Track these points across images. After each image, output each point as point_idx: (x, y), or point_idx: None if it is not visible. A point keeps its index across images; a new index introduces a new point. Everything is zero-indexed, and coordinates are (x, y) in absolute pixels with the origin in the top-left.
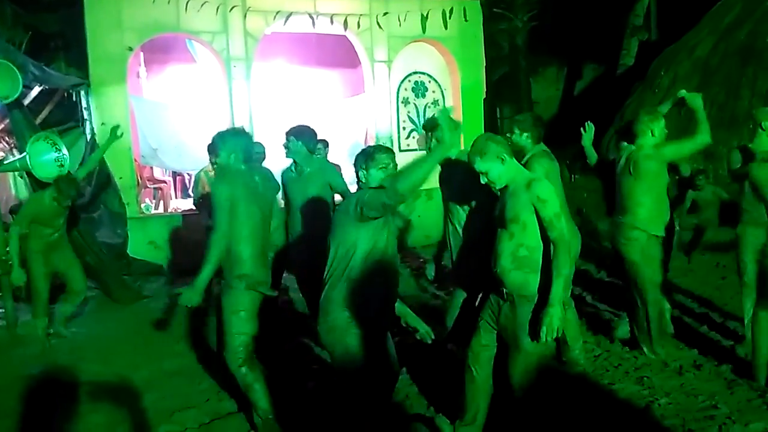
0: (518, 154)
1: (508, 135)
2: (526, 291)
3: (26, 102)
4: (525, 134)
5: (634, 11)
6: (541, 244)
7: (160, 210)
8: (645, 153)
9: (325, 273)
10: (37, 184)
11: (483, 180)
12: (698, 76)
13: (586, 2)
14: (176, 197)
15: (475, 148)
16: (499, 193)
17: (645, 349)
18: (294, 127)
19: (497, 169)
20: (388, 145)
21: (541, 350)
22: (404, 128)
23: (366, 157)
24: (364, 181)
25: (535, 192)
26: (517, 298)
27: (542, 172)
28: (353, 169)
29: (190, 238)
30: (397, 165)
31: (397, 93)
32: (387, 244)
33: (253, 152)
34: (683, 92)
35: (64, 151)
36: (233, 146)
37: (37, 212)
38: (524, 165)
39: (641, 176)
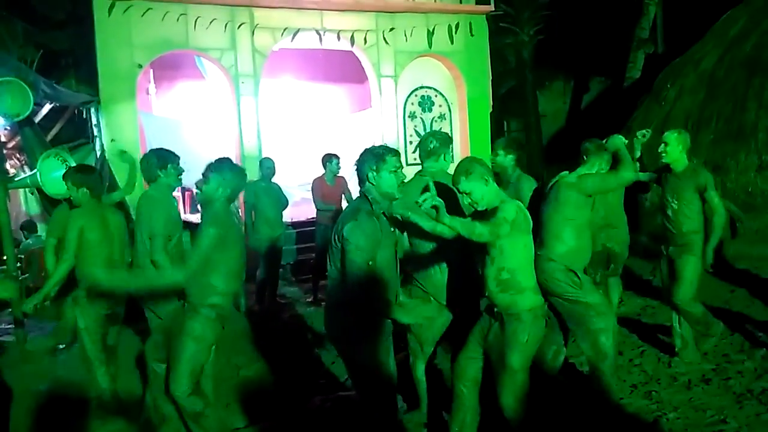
0: (499, 175)
1: (492, 156)
2: (514, 309)
3: (37, 119)
4: (510, 156)
5: (640, 24)
6: (525, 264)
7: None
8: (567, 181)
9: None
10: (47, 201)
11: (466, 200)
12: (704, 88)
13: (592, 16)
14: (185, 212)
15: (460, 168)
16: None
17: None
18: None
19: (481, 190)
20: None
21: (527, 367)
22: (411, 142)
23: (377, 159)
24: (374, 183)
25: (502, 214)
26: (505, 316)
27: (530, 189)
28: (357, 169)
29: None
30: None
31: (404, 107)
32: (389, 255)
33: (240, 191)
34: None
35: None
36: (226, 181)
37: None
38: (513, 183)
39: (560, 206)
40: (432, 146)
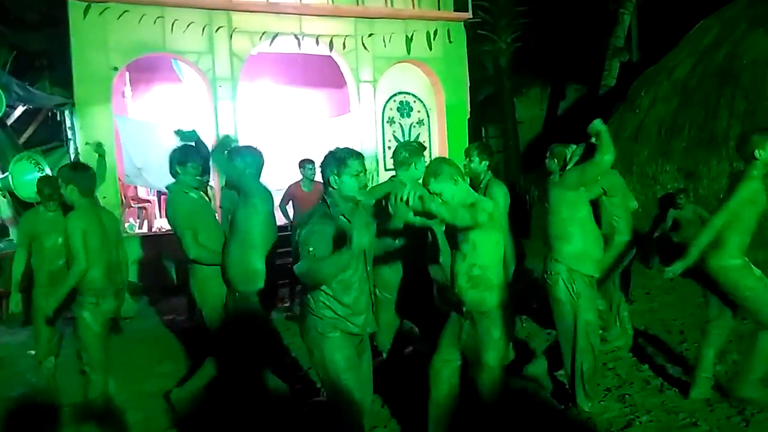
0: (472, 181)
1: (466, 161)
2: (484, 307)
3: (10, 122)
4: (484, 162)
5: (615, 33)
6: (496, 262)
7: (144, 229)
8: (552, 182)
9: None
10: (19, 205)
11: (437, 201)
12: (677, 96)
13: (568, 24)
14: (161, 216)
15: (429, 170)
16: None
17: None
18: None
19: (450, 189)
20: (374, 164)
21: (503, 363)
22: (389, 147)
23: (338, 163)
24: (335, 187)
25: (480, 206)
26: (476, 315)
27: (501, 194)
28: (321, 172)
29: (174, 258)
30: (367, 171)
31: (383, 113)
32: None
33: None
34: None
35: (48, 171)
36: (249, 162)
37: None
38: (482, 189)
39: (554, 207)
40: (402, 157)
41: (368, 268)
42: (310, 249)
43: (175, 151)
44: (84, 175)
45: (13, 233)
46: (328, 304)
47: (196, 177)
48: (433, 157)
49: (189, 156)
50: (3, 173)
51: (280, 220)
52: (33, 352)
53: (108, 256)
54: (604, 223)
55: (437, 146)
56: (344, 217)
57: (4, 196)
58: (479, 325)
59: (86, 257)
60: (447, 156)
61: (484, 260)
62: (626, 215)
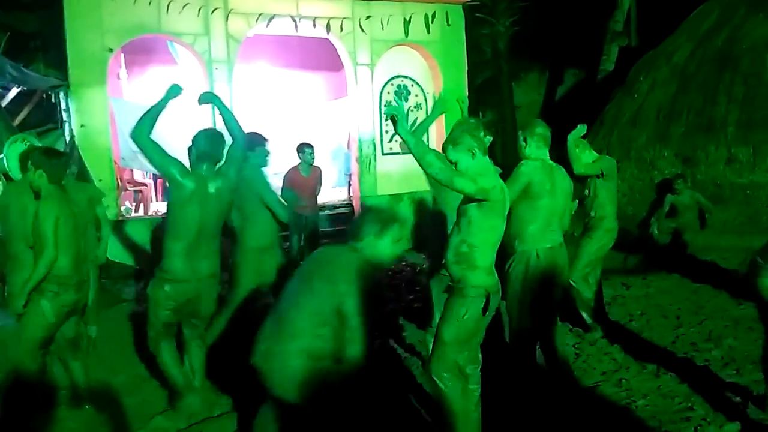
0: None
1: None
2: (462, 284)
3: (4, 103)
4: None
5: (614, 17)
6: (487, 245)
7: (140, 213)
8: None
9: None
10: None
11: (452, 169)
12: (676, 81)
13: (567, 8)
14: (157, 200)
15: (450, 136)
16: None
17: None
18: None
19: (466, 161)
20: (371, 148)
21: (456, 343)
22: (387, 131)
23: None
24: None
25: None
26: (455, 289)
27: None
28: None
29: None
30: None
31: (380, 96)
32: None
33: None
34: None
35: None
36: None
37: None
38: None
39: None
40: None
41: None
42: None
43: (246, 137)
44: (56, 163)
45: None
46: None
47: (266, 158)
48: (431, 141)
49: (256, 141)
50: None
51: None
52: None
53: (77, 245)
54: (593, 207)
55: (435, 130)
56: None
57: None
58: (451, 299)
59: (56, 245)
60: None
61: (475, 239)
62: (614, 202)
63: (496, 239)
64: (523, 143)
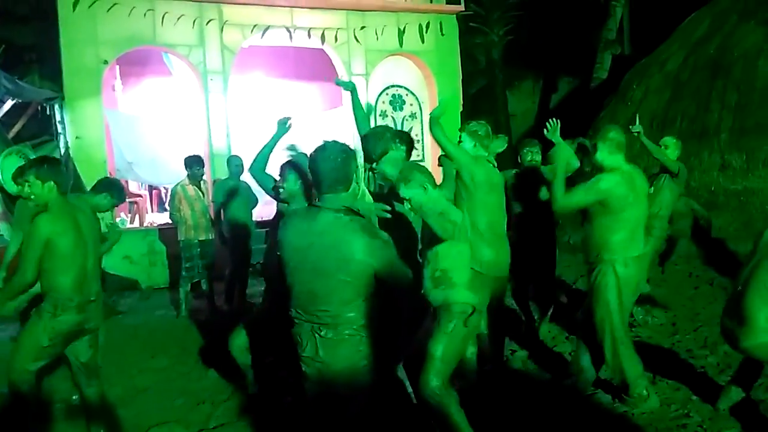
0: None
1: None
2: (446, 303)
3: None
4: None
5: (607, 26)
6: (459, 267)
7: (136, 224)
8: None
9: None
10: (9, 200)
11: (407, 206)
12: (669, 89)
13: (560, 17)
14: (152, 211)
15: (401, 175)
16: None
17: None
18: None
19: (419, 196)
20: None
21: (447, 360)
22: None
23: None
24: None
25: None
26: (440, 312)
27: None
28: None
29: (165, 253)
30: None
31: (375, 106)
32: None
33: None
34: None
35: None
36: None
37: None
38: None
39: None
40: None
41: None
42: None
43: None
44: (63, 171)
45: (3, 228)
46: None
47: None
48: (426, 151)
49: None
50: None
51: (272, 214)
52: None
53: (82, 263)
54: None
55: (429, 140)
56: None
57: None
58: (439, 319)
59: (37, 266)
60: (440, 150)
61: (445, 265)
62: (671, 206)
63: (466, 260)
64: (593, 149)
